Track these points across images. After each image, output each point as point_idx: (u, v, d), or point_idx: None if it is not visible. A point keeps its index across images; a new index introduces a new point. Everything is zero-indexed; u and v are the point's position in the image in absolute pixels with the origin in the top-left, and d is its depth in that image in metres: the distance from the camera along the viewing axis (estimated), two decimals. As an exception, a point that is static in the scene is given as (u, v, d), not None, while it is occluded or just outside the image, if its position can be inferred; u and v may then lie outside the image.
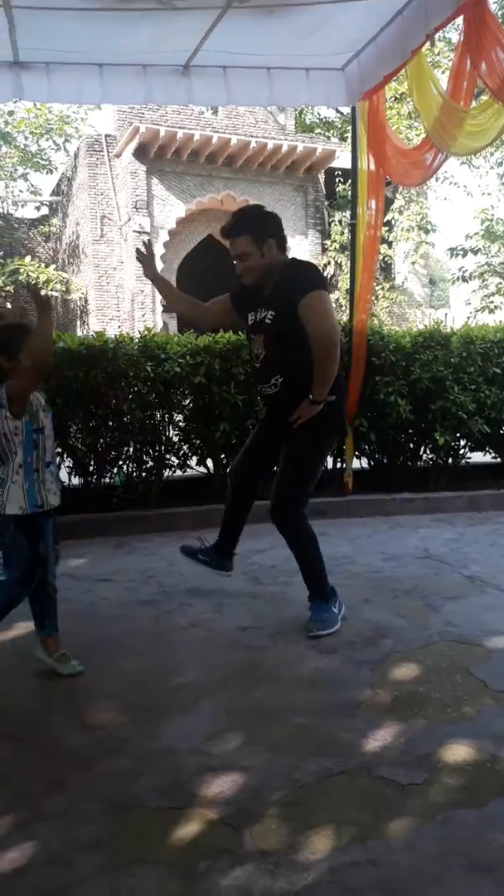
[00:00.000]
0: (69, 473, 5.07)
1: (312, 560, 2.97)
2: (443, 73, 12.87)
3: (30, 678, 2.47)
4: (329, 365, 2.77)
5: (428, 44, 4.02)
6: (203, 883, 1.43)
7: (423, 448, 5.74)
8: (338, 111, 22.38)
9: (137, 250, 3.43)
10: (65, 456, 5.05)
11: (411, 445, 5.72)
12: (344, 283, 16.27)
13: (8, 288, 15.92)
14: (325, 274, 17.06)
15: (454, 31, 6.86)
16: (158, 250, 15.87)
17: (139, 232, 15.54)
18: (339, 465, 5.66)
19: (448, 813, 1.64)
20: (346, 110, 20.12)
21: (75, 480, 5.05)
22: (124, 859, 1.50)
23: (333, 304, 2.88)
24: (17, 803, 1.72)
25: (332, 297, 16.94)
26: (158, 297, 16.04)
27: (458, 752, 1.91)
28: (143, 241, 3.48)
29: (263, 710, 2.18)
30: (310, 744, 1.97)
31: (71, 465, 5.03)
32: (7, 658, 2.66)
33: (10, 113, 16.92)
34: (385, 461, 5.69)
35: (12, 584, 2.34)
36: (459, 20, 3.60)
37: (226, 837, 1.57)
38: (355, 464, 5.61)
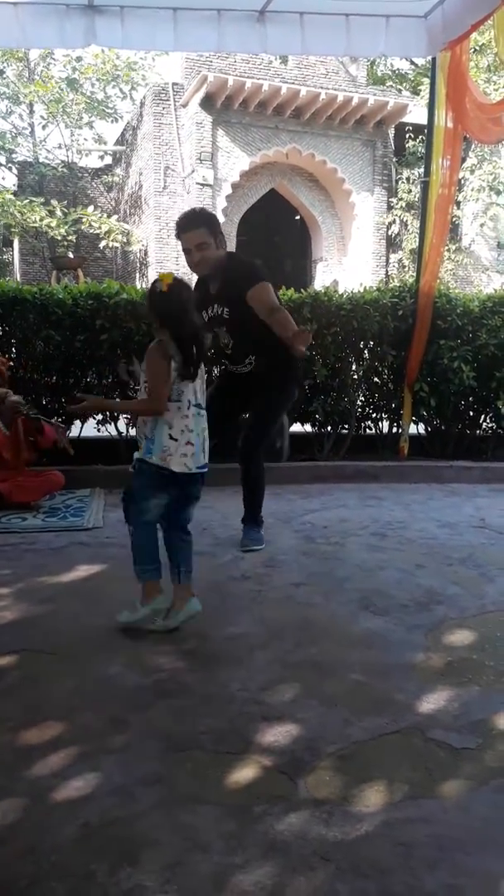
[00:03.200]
0: (127, 424, 5.15)
1: (259, 493, 3.54)
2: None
3: (88, 618, 2.56)
4: (284, 324, 3.13)
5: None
6: (259, 825, 1.48)
7: (483, 416, 5.63)
8: (412, 62, 21.54)
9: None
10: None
11: (471, 413, 5.61)
12: (409, 242, 15.85)
13: (70, 237, 15.99)
14: (390, 233, 16.64)
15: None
16: (220, 203, 15.68)
17: (202, 184, 15.36)
18: (394, 429, 5.61)
19: (501, 779, 1.65)
20: (421, 62, 19.35)
21: (132, 431, 5.12)
22: (183, 796, 1.56)
23: (275, 293, 3.30)
24: (82, 736, 1.79)
25: (395, 257, 16.48)
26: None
27: (512, 720, 1.91)
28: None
29: (317, 665, 2.21)
30: (363, 701, 1.99)
31: (129, 416, 5.10)
32: (72, 601, 2.75)
33: (78, 59, 16.72)
34: (443, 428, 5.61)
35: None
36: None
37: (280, 784, 1.62)
38: (412, 429, 5.55)
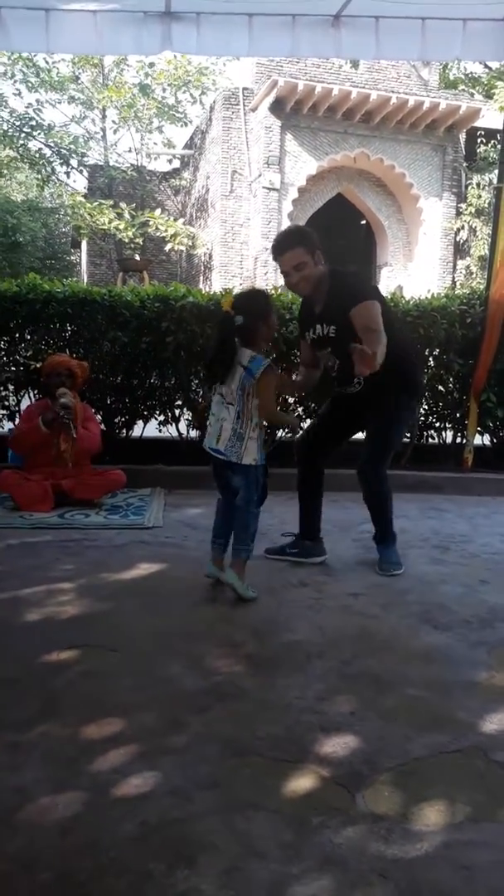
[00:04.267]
0: (188, 426, 5.20)
1: (387, 513, 3.35)
2: None
3: (148, 616, 2.59)
4: (369, 342, 2.88)
5: None
6: (316, 837, 1.46)
7: None
8: (486, 66, 21.13)
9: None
10: (185, 409, 5.18)
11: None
12: (478, 249, 15.55)
13: (137, 240, 16.28)
14: (458, 239, 16.35)
15: None
16: (286, 207, 15.70)
17: (269, 188, 15.42)
18: (459, 439, 5.50)
19: None
20: (495, 65, 18.96)
21: (193, 433, 5.17)
22: (240, 802, 1.56)
23: (379, 310, 3.04)
24: (141, 735, 1.81)
25: (463, 263, 16.18)
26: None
27: None
28: None
29: (376, 678, 2.18)
30: (423, 717, 1.95)
31: (189, 418, 5.15)
32: (132, 599, 2.79)
33: (151, 65, 17.05)
34: (510, 439, 5.47)
35: (257, 511, 2.96)
36: None
37: (338, 796, 1.60)
38: (477, 440, 5.43)
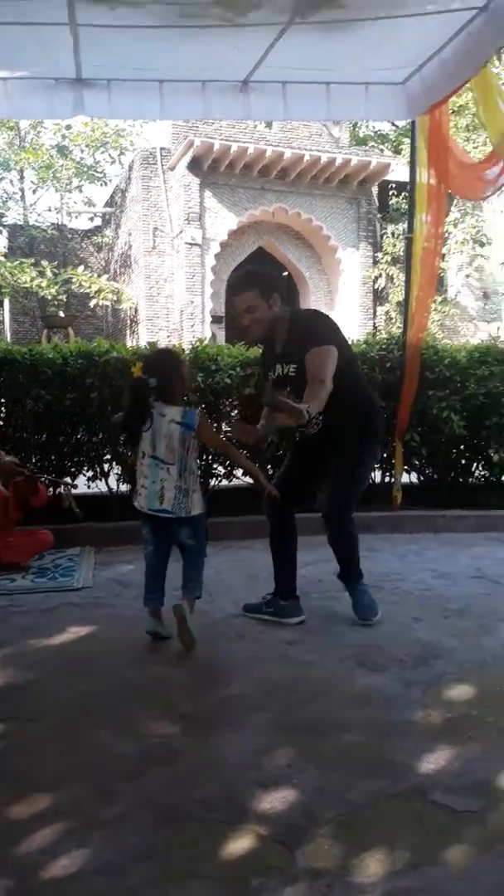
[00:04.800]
0: (118, 480, 5.14)
1: (353, 556, 3.27)
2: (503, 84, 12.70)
3: (77, 682, 2.50)
4: (310, 393, 2.88)
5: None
6: (255, 901, 1.41)
7: (475, 465, 5.65)
8: (393, 124, 22.32)
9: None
10: (113, 464, 5.12)
11: (463, 461, 5.62)
12: (395, 295, 16.16)
13: (61, 297, 16.26)
14: (376, 287, 16.97)
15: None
16: (209, 261, 16.02)
17: (191, 244, 15.72)
18: (387, 478, 5.60)
19: (506, 843, 1.59)
20: (402, 122, 20.06)
21: (123, 487, 5.11)
22: (176, 872, 1.50)
23: (334, 356, 2.96)
24: (70, 810, 1.73)
25: (382, 309, 16.70)
26: (208, 308, 16.19)
27: (515, 779, 1.85)
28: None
29: (313, 727, 2.15)
30: (362, 763, 1.93)
31: (119, 472, 5.09)
32: (62, 665, 2.69)
33: (68, 127, 17.31)
34: (435, 476, 5.61)
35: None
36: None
37: (277, 855, 1.55)
38: (404, 478, 5.54)
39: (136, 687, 2.47)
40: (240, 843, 1.59)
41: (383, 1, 3.66)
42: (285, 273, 18.20)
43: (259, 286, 3.07)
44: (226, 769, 1.91)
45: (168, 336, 16.13)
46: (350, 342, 5.34)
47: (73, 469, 5.08)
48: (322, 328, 3.08)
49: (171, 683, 2.50)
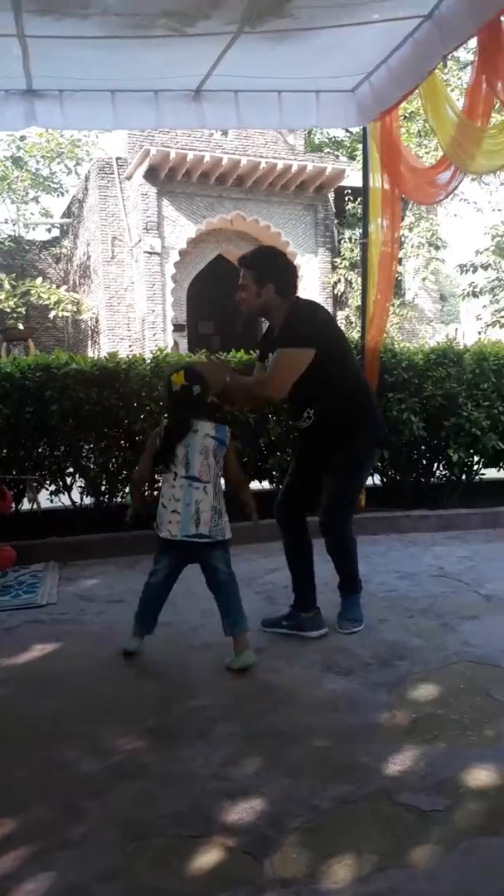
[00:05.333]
0: (81, 493, 5.09)
1: (351, 562, 3.20)
2: (452, 90, 12.96)
3: (43, 700, 2.46)
4: (251, 397, 3.09)
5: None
6: (223, 913, 1.41)
7: (436, 465, 5.72)
8: (347, 130, 22.57)
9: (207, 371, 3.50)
10: (76, 476, 5.07)
11: (424, 462, 5.69)
12: (354, 300, 16.33)
13: (20, 309, 16.07)
14: (336, 292, 17.11)
15: (462, 50, 6.92)
16: (169, 270, 15.98)
17: (150, 252, 15.68)
18: (351, 482, 5.64)
19: (472, 841, 1.61)
20: (356, 129, 20.31)
21: (87, 500, 5.06)
22: (144, 889, 1.48)
23: (301, 362, 2.90)
24: (36, 831, 1.70)
25: (342, 314, 16.87)
26: (169, 316, 16.15)
27: (480, 776, 1.88)
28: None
29: (281, 734, 2.15)
30: (329, 768, 1.94)
31: (83, 484, 5.05)
32: (26, 684, 2.65)
33: (22, 138, 17.16)
34: (397, 478, 5.67)
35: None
36: (473, 40, 3.63)
37: (245, 866, 1.55)
38: (367, 480, 5.59)
39: (103, 703, 2.44)
40: (208, 857, 1.59)
41: (330, 10, 3.70)
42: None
43: (257, 269, 3.01)
44: (194, 781, 1.90)
45: (130, 346, 16.05)
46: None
47: (34, 483, 5.01)
48: (306, 329, 2.95)
49: (138, 697, 2.48)
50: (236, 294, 3.08)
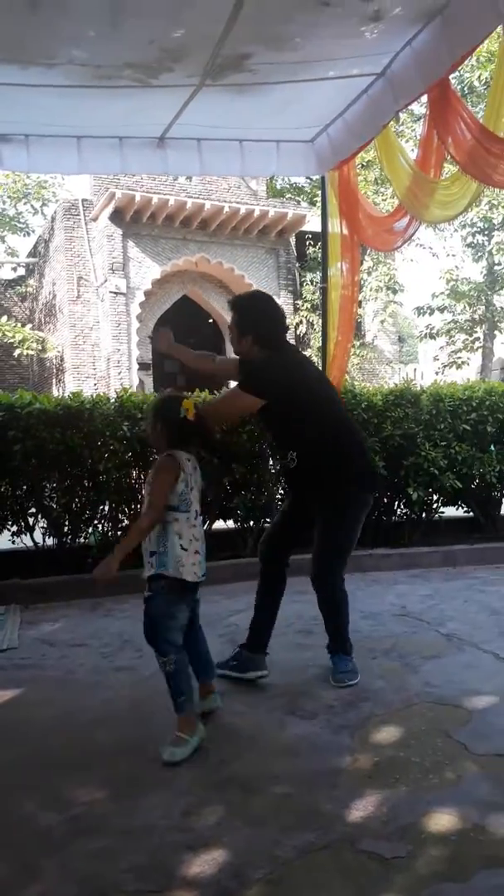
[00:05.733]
0: (43, 534, 5.02)
1: (341, 619, 3.09)
2: (407, 141, 13.47)
3: (6, 752, 2.40)
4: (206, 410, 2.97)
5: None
6: None
7: (396, 503, 5.79)
8: (308, 178, 23.20)
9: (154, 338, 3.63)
10: (39, 516, 5.01)
11: (385, 500, 5.76)
12: (316, 341, 16.60)
13: (-17, 347, 15.98)
14: (298, 333, 17.39)
15: (416, 104, 7.21)
16: (134, 310, 16.10)
17: (115, 293, 15.79)
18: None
19: (434, 887, 1.60)
20: (316, 177, 20.91)
21: (50, 541, 4.99)
22: None
23: (244, 402, 2.97)
24: (-11, 890, 1.65)
25: (306, 352, 17.22)
26: (134, 355, 16.21)
27: (441, 820, 1.88)
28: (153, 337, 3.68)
29: (243, 781, 2.13)
30: (291, 816, 1.92)
31: (45, 525, 4.98)
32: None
33: (-12, 178, 17.30)
34: (360, 517, 5.72)
35: None
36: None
37: (206, 921, 1.52)
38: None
39: (62, 753, 2.39)
40: (168, 912, 1.55)
41: (288, 66, 3.84)
42: (210, 321, 18.47)
43: (238, 317, 3.08)
44: (154, 833, 1.86)
45: (95, 384, 16.02)
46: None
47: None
48: (261, 376, 2.95)
49: (100, 746, 2.43)
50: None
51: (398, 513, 5.83)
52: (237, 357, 3.26)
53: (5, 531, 4.95)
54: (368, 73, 3.96)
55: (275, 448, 3.25)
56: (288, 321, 13.41)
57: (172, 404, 2.56)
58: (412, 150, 4.48)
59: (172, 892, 1.62)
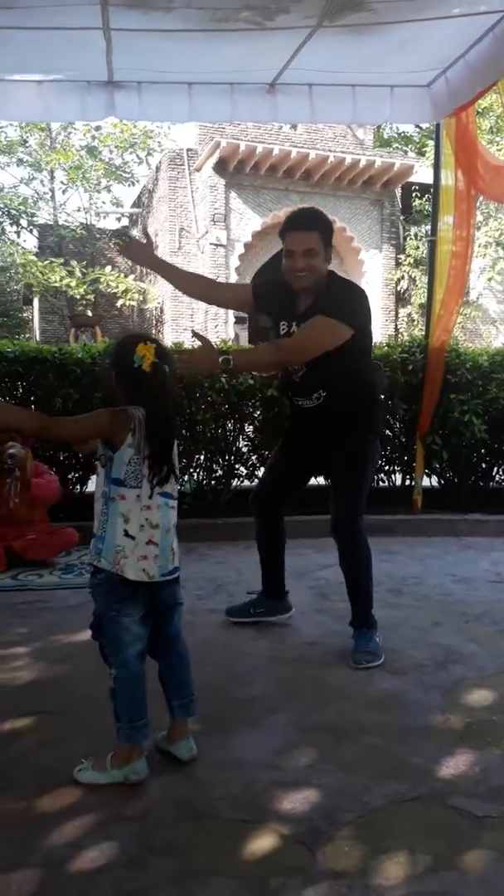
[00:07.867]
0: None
1: (364, 578, 2.86)
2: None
3: (104, 678, 2.53)
4: (269, 358, 2.84)
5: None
6: (275, 899, 1.44)
7: (496, 469, 5.62)
8: (417, 126, 22.19)
9: (119, 242, 3.29)
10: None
11: (484, 465, 5.60)
12: (418, 297, 16.10)
13: (89, 296, 16.43)
14: (399, 289, 16.90)
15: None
16: (233, 262, 16.07)
17: (216, 244, 15.80)
18: (408, 482, 5.60)
19: (525, 849, 1.60)
20: (427, 125, 19.99)
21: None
22: (198, 868, 1.53)
23: (340, 334, 2.65)
24: (97, 803, 1.77)
25: (404, 311, 16.63)
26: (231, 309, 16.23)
27: (535, 786, 1.86)
28: (121, 236, 3.47)
29: (334, 729, 2.17)
30: (381, 766, 1.95)
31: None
32: (88, 661, 2.73)
33: (98, 128, 17.49)
34: (456, 480, 5.59)
35: None
36: None
37: (298, 855, 1.58)
38: (424, 482, 5.54)
39: (152, 685, 2.49)
40: (261, 843, 1.62)
41: (410, 4, 3.66)
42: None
43: (324, 231, 2.72)
44: (246, 768, 1.94)
45: (193, 337, 16.20)
46: (374, 344, 5.36)
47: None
48: (349, 305, 2.71)
49: (194, 682, 2.53)
50: (291, 262, 2.69)
51: (496, 479, 5.67)
52: (247, 283, 3.07)
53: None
54: (497, 9, 3.72)
55: (298, 383, 2.84)
56: (389, 276, 13.07)
57: (126, 350, 1.92)
58: (539, 94, 4.21)
59: (265, 824, 1.69)
